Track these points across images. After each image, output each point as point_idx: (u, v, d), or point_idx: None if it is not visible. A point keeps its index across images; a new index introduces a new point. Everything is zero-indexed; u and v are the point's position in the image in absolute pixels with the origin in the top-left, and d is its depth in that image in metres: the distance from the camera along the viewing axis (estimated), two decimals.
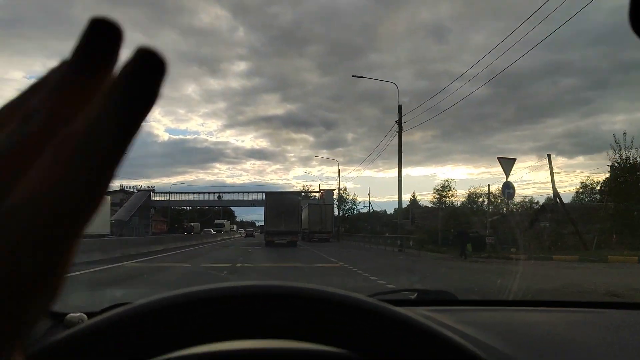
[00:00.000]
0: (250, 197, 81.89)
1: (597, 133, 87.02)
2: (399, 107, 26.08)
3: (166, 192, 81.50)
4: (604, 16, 75.58)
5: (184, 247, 26.82)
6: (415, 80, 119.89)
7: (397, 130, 25.83)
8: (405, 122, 25.98)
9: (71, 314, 1.12)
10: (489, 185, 45.86)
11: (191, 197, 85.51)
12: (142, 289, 6.48)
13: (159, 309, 0.53)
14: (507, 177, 18.13)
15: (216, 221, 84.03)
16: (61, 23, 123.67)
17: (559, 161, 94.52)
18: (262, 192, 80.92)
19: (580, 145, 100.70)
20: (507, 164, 18.24)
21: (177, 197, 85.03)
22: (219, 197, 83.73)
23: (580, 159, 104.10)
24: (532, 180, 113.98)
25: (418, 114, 45.82)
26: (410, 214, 68.90)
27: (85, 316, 1.12)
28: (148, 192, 79.53)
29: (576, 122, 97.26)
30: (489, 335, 1.16)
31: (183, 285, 0.77)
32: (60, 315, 1.12)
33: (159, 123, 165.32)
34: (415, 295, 1.80)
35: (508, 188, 18.14)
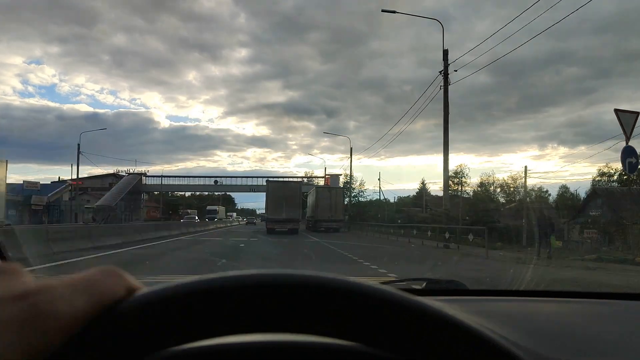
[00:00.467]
0: (249, 182, 76.14)
1: (600, 122, 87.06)
2: (445, 52, 20.67)
3: (159, 176, 74.83)
4: (608, 5, 74.22)
5: (159, 239, 20.96)
6: (417, 68, 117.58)
7: (442, 84, 20.09)
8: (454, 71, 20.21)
9: None
10: (525, 167, 40.05)
11: (187, 182, 79.00)
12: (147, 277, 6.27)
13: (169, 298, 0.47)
14: (628, 139, 11.91)
15: (208, 207, 77.75)
16: (61, 7, 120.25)
17: (560, 150, 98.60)
18: (260, 177, 77.10)
19: (582, 134, 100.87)
20: (628, 119, 12.00)
21: (172, 181, 78.47)
22: (216, 182, 77.60)
23: (582, 148, 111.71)
24: (533, 169, 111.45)
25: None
26: (424, 202, 62.11)
27: None
28: (139, 175, 73.59)
29: (579, 111, 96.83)
30: (501, 325, 1.03)
31: None
32: None
33: (160, 110, 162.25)
34: (424, 284, 1.77)
35: (630, 156, 11.88)
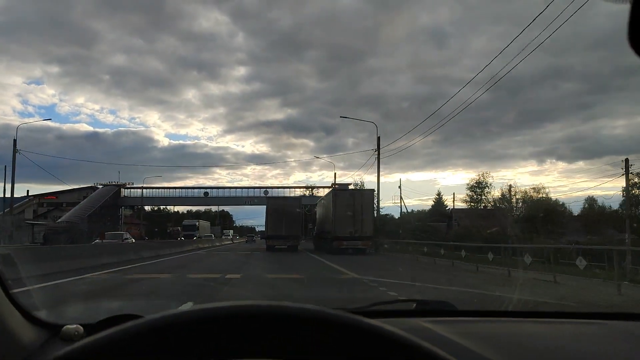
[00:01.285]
0: (242, 193, 65.84)
1: (597, 138, 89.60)
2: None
3: (139, 187, 64.12)
4: (603, 20, 68.94)
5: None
6: (415, 84, 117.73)
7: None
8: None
9: (67, 326, 1.10)
10: (626, 159, 29.57)
11: (174, 194, 68.17)
12: (138, 302, 5.82)
13: (167, 325, 0.56)
14: None
15: (185, 222, 66.13)
16: (61, 28, 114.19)
17: (559, 166, 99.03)
18: (256, 188, 68.00)
19: (580, 150, 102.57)
20: None
21: (158, 194, 67.63)
22: (206, 194, 67.16)
23: (580, 163, 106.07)
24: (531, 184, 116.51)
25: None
26: (453, 217, 50.60)
27: (81, 328, 1.10)
28: (117, 187, 63.41)
29: (576, 126, 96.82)
30: (487, 347, 1.14)
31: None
32: (57, 327, 1.10)
33: (159, 128, 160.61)
34: (415, 305, 1.75)
35: None
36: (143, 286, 10.00)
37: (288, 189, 68.92)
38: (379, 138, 33.78)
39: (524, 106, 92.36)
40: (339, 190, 29.97)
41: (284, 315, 0.56)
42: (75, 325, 1.11)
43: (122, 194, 65.03)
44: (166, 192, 67.37)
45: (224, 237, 66.74)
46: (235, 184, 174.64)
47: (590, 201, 55.20)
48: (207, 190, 68.07)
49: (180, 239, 47.05)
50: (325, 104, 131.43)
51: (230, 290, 9.01)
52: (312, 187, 68.64)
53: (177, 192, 68.04)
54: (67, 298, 7.72)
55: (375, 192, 32.10)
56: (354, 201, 25.51)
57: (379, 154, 33.42)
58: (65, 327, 1.10)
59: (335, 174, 47.90)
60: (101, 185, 64.03)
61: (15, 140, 38.80)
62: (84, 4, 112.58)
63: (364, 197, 26.71)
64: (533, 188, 55.30)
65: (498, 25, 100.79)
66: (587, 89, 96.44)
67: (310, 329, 0.56)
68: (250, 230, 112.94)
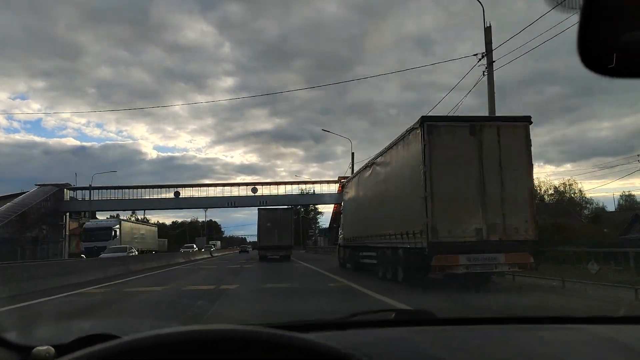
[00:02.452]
0: (211, 191, 50.81)
1: (584, 140, 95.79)
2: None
3: (86, 188, 47.47)
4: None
5: None
6: (402, 92, 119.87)
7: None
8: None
9: (38, 347, 1.06)
10: None
11: (133, 195, 52.31)
12: (110, 321, 5.36)
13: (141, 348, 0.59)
14: None
15: (86, 224, 44.70)
16: (45, 42, 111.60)
17: (547, 169, 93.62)
18: (241, 185, 54.76)
19: (567, 152, 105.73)
20: None
21: (110, 196, 51.51)
22: (177, 194, 51.91)
23: (567, 166, 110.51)
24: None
25: None
26: None
27: (52, 349, 1.06)
28: (57, 187, 47.61)
29: (562, 129, 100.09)
30: (465, 355, 1.14)
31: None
32: (27, 349, 1.07)
33: (147, 141, 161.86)
34: (394, 315, 1.74)
35: None
36: None
37: (276, 185, 54.84)
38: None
39: (510, 110, 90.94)
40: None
41: (198, 340, 0.60)
42: (46, 347, 1.06)
43: (67, 197, 49.36)
44: (124, 194, 51.50)
45: (204, 249, 51.09)
46: (226, 195, 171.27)
47: (627, 197, 54.25)
48: (179, 189, 52.63)
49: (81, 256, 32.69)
50: (313, 112, 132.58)
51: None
52: (308, 182, 58.05)
53: (140, 193, 52.23)
54: (38, 319, 6.73)
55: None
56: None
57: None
58: (35, 349, 1.06)
59: (353, 154, 36.03)
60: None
61: None
62: (68, 17, 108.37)
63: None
64: (563, 183, 51.51)
65: (482, 32, 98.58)
66: (572, 92, 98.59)
67: (226, 349, 0.60)
68: (242, 241, 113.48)
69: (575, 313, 1.83)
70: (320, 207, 76.71)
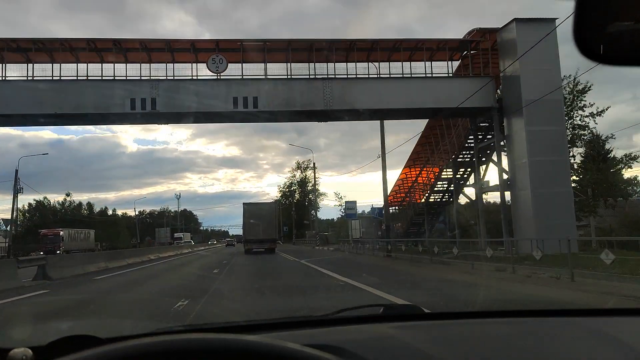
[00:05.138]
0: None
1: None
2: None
3: None
4: (567, 13, 66.27)
5: None
6: None
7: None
8: None
9: (15, 350, 1.02)
10: None
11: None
12: (89, 320, 5.57)
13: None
14: None
15: None
16: (19, 33, 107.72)
17: None
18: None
19: None
20: None
21: None
22: None
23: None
24: None
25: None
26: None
27: (29, 351, 1.02)
28: None
29: None
30: (453, 350, 1.13)
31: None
32: (3, 351, 1.03)
33: (126, 133, 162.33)
34: (381, 310, 1.72)
35: None
36: None
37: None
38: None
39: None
40: None
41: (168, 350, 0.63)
42: (23, 349, 1.02)
43: None
44: None
45: (175, 242, 49.50)
46: (207, 189, 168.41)
47: None
48: None
49: None
50: None
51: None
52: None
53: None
54: (14, 319, 6.70)
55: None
56: None
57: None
58: (12, 351, 1.01)
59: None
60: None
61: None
62: (42, 6, 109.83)
63: None
64: None
65: (465, 22, 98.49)
66: None
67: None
68: (225, 234, 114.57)
69: (568, 306, 1.79)
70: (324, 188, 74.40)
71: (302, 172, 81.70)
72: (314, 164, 43.05)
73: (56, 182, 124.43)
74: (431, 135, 26.92)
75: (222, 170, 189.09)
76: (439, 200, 28.89)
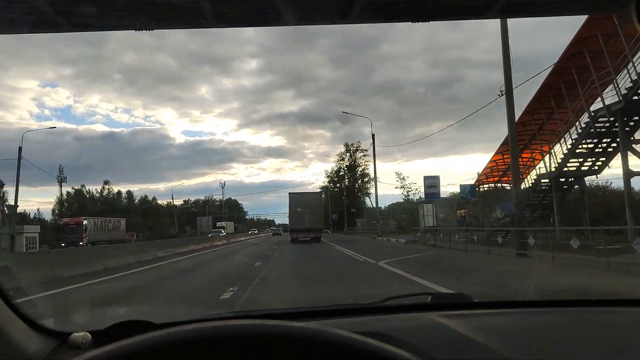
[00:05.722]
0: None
1: None
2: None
3: None
4: None
5: None
6: (429, 69, 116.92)
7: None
8: None
9: (75, 333, 1.08)
10: None
11: None
12: (143, 307, 5.43)
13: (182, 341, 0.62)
14: None
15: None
16: None
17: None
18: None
19: None
20: None
21: None
22: None
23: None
24: None
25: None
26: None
27: (89, 335, 1.08)
28: None
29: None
30: (502, 340, 1.10)
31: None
32: (64, 335, 1.09)
33: (174, 125, 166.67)
34: (430, 298, 1.65)
35: None
36: None
37: None
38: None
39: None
40: None
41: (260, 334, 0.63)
42: (82, 333, 1.08)
43: None
44: None
45: (212, 234, 43.62)
46: (253, 179, 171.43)
47: None
48: None
49: None
50: (339, 93, 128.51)
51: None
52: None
53: None
54: (73, 305, 6.88)
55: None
56: None
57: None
58: (72, 335, 1.08)
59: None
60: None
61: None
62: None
63: None
64: None
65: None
66: None
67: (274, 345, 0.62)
68: (270, 223, 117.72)
69: (620, 296, 1.76)
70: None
71: (351, 156, 75.68)
72: (372, 135, 36.11)
73: (108, 174, 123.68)
74: (571, 69, 17.48)
75: (267, 160, 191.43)
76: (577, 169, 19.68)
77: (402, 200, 54.76)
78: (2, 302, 0.98)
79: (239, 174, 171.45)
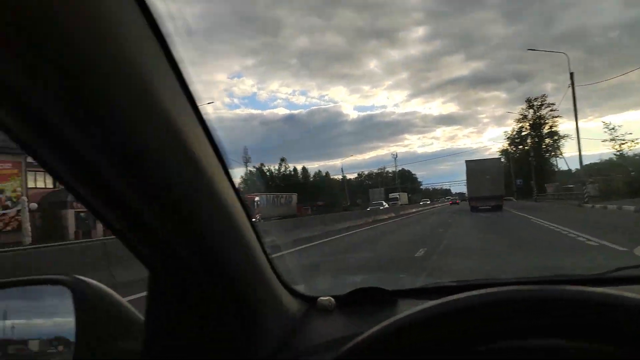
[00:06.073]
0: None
1: None
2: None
3: None
4: None
5: None
6: (624, 9, 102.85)
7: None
8: None
9: (321, 298, 1.18)
10: None
11: None
12: (377, 274, 5.92)
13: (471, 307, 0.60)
14: None
15: None
16: (248, 21, 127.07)
17: None
18: None
19: None
20: None
21: None
22: None
23: None
24: None
25: None
26: None
27: (333, 300, 1.18)
28: None
29: None
30: None
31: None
32: (312, 299, 1.20)
33: (346, 102, 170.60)
34: None
35: None
36: None
37: None
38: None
39: None
40: None
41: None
42: (327, 297, 1.18)
43: None
44: None
45: (372, 207, 40.85)
46: (426, 149, 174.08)
47: None
48: None
49: None
50: (514, 50, 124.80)
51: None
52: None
53: None
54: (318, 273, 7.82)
55: None
56: None
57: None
58: (319, 299, 1.18)
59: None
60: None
61: None
62: None
63: None
64: None
65: None
66: None
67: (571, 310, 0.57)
68: (446, 192, 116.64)
69: None
70: None
71: (535, 112, 66.13)
72: (571, 74, 28.49)
73: (292, 153, 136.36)
74: None
75: (439, 129, 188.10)
76: None
77: (609, 158, 44.78)
78: (272, 272, 1.03)
79: (412, 144, 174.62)
